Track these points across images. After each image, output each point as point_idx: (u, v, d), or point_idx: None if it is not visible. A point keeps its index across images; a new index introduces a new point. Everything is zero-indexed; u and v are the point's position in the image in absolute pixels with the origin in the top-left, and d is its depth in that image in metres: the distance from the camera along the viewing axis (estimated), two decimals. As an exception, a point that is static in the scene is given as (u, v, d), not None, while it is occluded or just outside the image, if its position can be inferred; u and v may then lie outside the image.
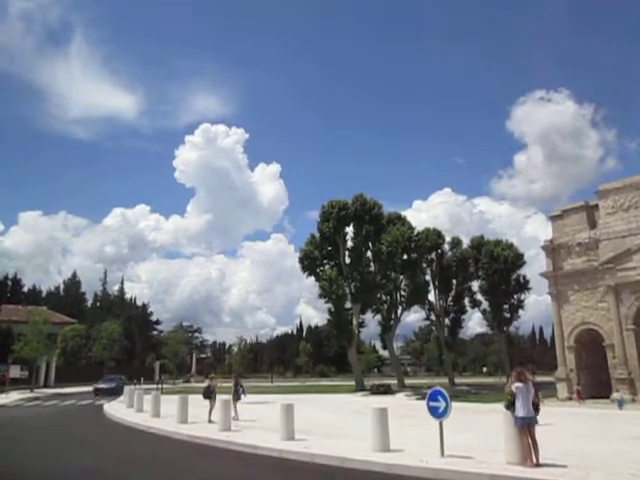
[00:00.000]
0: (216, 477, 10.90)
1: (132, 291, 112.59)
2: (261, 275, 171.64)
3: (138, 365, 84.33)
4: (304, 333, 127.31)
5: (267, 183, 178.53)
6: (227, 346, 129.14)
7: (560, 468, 9.59)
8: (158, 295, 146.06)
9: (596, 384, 33.41)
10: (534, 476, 9.02)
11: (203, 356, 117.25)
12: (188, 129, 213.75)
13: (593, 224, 35.64)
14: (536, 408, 20.69)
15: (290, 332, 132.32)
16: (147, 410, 23.00)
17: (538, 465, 9.71)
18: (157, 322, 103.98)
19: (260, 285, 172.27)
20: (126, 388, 33.26)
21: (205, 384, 21.29)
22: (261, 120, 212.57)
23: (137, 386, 39.71)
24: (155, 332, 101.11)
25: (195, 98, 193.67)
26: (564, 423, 20.49)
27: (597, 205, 35.61)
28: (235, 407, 20.23)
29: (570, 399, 32.31)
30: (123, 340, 74.90)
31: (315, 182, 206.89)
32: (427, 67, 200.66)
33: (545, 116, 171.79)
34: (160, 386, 43.88)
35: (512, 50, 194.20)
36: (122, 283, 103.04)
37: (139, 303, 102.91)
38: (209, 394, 19.92)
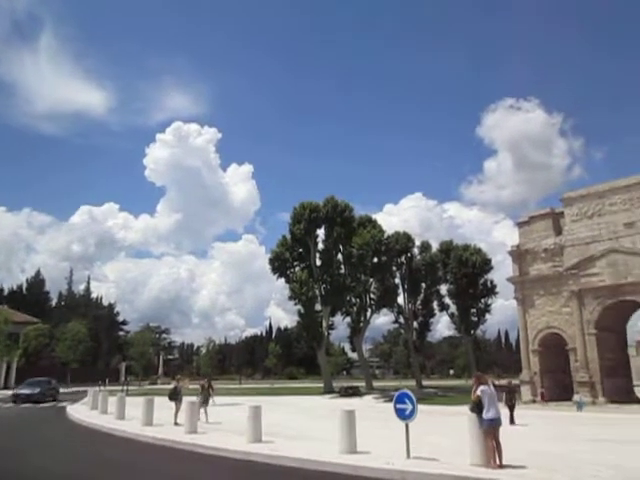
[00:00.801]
0: (178, 479, 10.73)
1: (99, 291, 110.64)
2: (231, 276, 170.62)
3: (103, 366, 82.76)
4: (274, 335, 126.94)
5: (239, 184, 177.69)
6: (195, 347, 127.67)
7: (523, 469, 9.76)
8: (126, 295, 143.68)
9: (559, 387, 34.20)
10: (497, 477, 9.15)
11: (171, 357, 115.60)
12: (159, 127, 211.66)
13: (558, 231, 36.49)
14: (512, 408, 21.42)
15: (260, 334, 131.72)
16: (112, 412, 22.55)
17: (501, 466, 9.86)
18: (124, 322, 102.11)
19: (230, 286, 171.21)
20: (90, 390, 32.51)
21: (172, 386, 20.97)
22: (234, 120, 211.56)
23: (102, 388, 38.92)
24: (122, 333, 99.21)
25: (167, 96, 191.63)
26: (529, 425, 20.89)
27: (563, 212, 36.48)
28: (205, 411, 20.07)
29: (534, 401, 32.97)
30: (88, 341, 73.24)
31: (287, 184, 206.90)
32: (400, 70, 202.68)
33: (515, 124, 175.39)
34: (125, 388, 43.10)
35: (485, 57, 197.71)
36: (88, 282, 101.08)
37: (105, 303, 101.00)
38: (175, 396, 19.64)
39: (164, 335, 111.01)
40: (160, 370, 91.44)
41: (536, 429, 19.48)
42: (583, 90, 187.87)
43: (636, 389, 37.73)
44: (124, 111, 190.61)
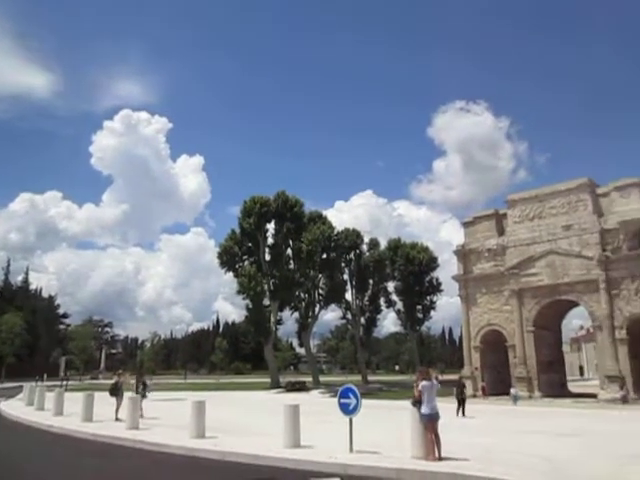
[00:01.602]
0: (119, 477, 10.49)
1: (38, 282, 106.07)
2: (179, 269, 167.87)
3: (42, 361, 79.61)
4: (221, 329, 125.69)
5: (189, 175, 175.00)
6: (140, 341, 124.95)
7: (462, 461, 10.06)
8: (67, 287, 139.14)
9: (498, 382, 35.37)
10: (436, 469, 9.41)
11: (114, 352, 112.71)
12: (107, 114, 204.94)
13: (501, 231, 37.69)
14: (462, 402, 22.15)
15: (206, 328, 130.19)
16: (49, 409, 21.78)
17: (440, 459, 10.14)
18: (64, 315, 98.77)
19: (177, 279, 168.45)
20: (27, 385, 31.28)
21: (113, 381, 20.44)
22: (186, 110, 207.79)
23: (39, 383, 37.47)
24: (62, 326, 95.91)
25: (116, 83, 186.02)
26: (466, 419, 21.55)
27: (506, 214, 37.68)
28: (140, 405, 19.69)
29: (475, 396, 33.97)
30: (25, 334, 70.40)
31: (238, 177, 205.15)
32: (354, 69, 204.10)
33: (464, 126, 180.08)
34: (64, 383, 41.67)
35: (437, 59, 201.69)
36: (27, 273, 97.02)
37: (45, 295, 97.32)
38: (116, 391, 19.16)
39: (107, 329, 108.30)
40: (102, 365, 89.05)
41: (477, 422, 20.12)
42: (529, 96, 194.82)
43: (569, 384, 39.54)
44: (70, 96, 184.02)
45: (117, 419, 18.23)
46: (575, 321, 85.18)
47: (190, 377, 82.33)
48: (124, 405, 17.61)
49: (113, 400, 19.14)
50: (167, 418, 19.93)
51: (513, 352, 35.12)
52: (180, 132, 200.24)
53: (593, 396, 31.63)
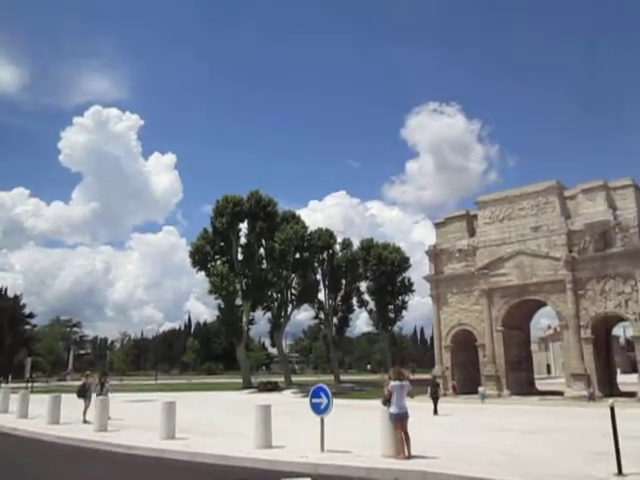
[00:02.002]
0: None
1: (3, 282, 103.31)
2: (150, 269, 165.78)
3: (6, 362, 77.57)
4: (192, 329, 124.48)
5: (161, 173, 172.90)
6: (109, 342, 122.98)
7: (431, 459, 10.18)
8: (33, 286, 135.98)
9: (468, 381, 35.87)
10: (405, 467, 9.51)
11: (82, 352, 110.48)
12: (77, 110, 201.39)
13: (472, 232, 38.24)
14: (436, 400, 22.55)
15: (178, 328, 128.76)
16: (13, 411, 21.26)
17: (410, 457, 10.25)
18: (30, 315, 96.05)
19: (148, 279, 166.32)
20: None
21: (81, 382, 20.04)
22: (158, 108, 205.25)
23: (3, 385, 36.54)
24: (28, 326, 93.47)
25: (87, 78, 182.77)
26: (439, 417, 21.82)
27: (477, 215, 38.23)
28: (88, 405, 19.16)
29: (445, 394, 34.37)
30: (-11, 335, 68.55)
31: (211, 176, 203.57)
32: (326, 68, 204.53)
33: (437, 127, 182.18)
34: (30, 385, 40.74)
35: (411, 60, 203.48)
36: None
37: (10, 294, 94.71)
38: (84, 393, 18.77)
39: (75, 329, 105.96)
40: (70, 366, 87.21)
41: (447, 420, 20.38)
42: (501, 99, 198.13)
43: (537, 382, 40.33)
44: (38, 90, 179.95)
45: (85, 421, 17.89)
46: (543, 321, 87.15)
47: (161, 378, 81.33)
48: (92, 406, 17.29)
49: (81, 402, 18.77)
50: (137, 419, 19.66)
51: (483, 351, 35.67)
52: (152, 129, 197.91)
53: (559, 394, 32.32)
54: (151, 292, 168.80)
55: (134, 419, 19.89)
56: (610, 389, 32.23)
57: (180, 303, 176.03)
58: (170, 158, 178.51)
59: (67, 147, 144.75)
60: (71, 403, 19.30)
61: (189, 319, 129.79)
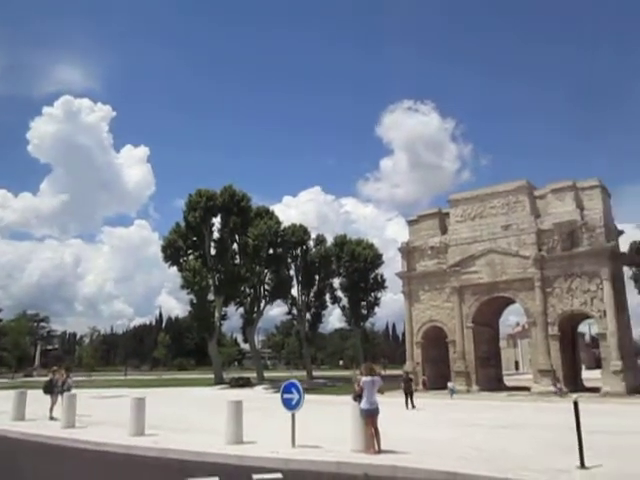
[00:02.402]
0: (52, 478, 10.11)
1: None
2: (121, 262, 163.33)
3: (-30, 357, 75.87)
4: (164, 324, 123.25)
5: (133, 166, 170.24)
6: (78, 337, 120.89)
7: (400, 454, 10.29)
8: (0, 280, 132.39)
9: (439, 376, 36.32)
10: (375, 462, 9.60)
11: (50, 348, 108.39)
12: (47, 100, 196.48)
13: (444, 230, 38.68)
14: (410, 395, 23.60)
15: (149, 323, 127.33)
16: (-24, 407, 20.75)
17: (380, 452, 10.35)
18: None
19: (119, 273, 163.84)
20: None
21: (47, 378, 19.66)
22: (131, 99, 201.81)
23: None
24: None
25: (57, 67, 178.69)
26: (410, 412, 22.07)
27: (449, 213, 38.68)
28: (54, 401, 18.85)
29: (416, 390, 34.72)
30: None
31: (185, 170, 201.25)
32: (302, 64, 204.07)
33: (412, 125, 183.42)
34: (-5, 380, 39.79)
35: (385, 58, 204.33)
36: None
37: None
38: (51, 389, 18.44)
39: (43, 324, 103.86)
40: (37, 361, 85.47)
41: (418, 415, 20.63)
42: (474, 99, 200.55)
43: (505, 378, 41.09)
44: (6, 78, 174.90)
45: (52, 418, 17.57)
46: (512, 318, 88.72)
47: (131, 373, 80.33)
48: (60, 403, 16.99)
49: (48, 398, 18.43)
50: (105, 416, 19.39)
51: (453, 347, 36.17)
52: (124, 121, 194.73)
53: (527, 389, 33.00)
54: (122, 286, 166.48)
55: (102, 415, 19.61)
56: (575, 385, 33.06)
57: (151, 298, 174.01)
58: (143, 151, 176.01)
59: (36, 137, 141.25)
60: (38, 399, 18.94)
61: (160, 314, 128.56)
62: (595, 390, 30.75)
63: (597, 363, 43.40)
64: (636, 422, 17.19)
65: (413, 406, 23.50)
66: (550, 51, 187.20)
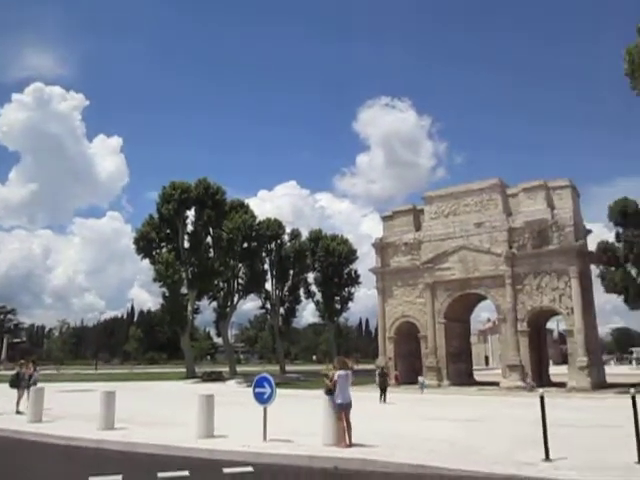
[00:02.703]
0: (18, 473, 9.92)
1: None
2: (92, 254, 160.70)
3: None
4: (135, 318, 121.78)
5: (106, 156, 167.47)
6: (47, 330, 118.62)
7: (371, 447, 10.39)
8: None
9: (410, 371, 36.69)
10: (346, 455, 9.68)
11: (17, 341, 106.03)
12: (17, 86, 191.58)
13: (418, 226, 38.99)
14: (385, 390, 24.16)
15: (120, 316, 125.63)
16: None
17: (351, 445, 10.44)
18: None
19: (90, 265, 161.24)
20: None
21: (14, 371, 19.27)
22: (105, 88, 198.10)
23: None
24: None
25: (28, 52, 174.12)
26: (381, 406, 22.26)
27: (423, 210, 39.00)
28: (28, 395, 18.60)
29: (389, 385, 35.04)
30: None
31: (159, 161, 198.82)
32: (282, 61, 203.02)
33: (388, 122, 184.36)
34: (-41, 374, 38.82)
35: (364, 53, 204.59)
36: None
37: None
38: (18, 382, 18.08)
39: (10, 316, 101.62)
40: (3, 354, 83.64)
41: (389, 409, 20.83)
42: (451, 97, 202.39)
43: (475, 373, 41.76)
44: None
45: (18, 412, 17.26)
46: (483, 314, 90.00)
47: (101, 367, 79.24)
48: (26, 397, 16.69)
49: (15, 392, 18.07)
50: (74, 410, 19.11)
51: (425, 343, 36.57)
52: (98, 110, 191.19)
53: (496, 384, 33.58)
54: (93, 279, 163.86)
55: (71, 409, 19.34)
56: (543, 380, 33.76)
57: (123, 291, 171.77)
58: (116, 141, 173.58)
59: (5, 125, 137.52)
60: (4, 393, 18.56)
61: (132, 307, 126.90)
62: (562, 385, 31.47)
63: (564, 359, 44.36)
64: (599, 416, 17.65)
65: (385, 400, 23.95)
66: (530, 49, 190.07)
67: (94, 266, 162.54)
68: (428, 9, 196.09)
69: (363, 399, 20.14)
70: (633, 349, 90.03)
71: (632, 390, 9.35)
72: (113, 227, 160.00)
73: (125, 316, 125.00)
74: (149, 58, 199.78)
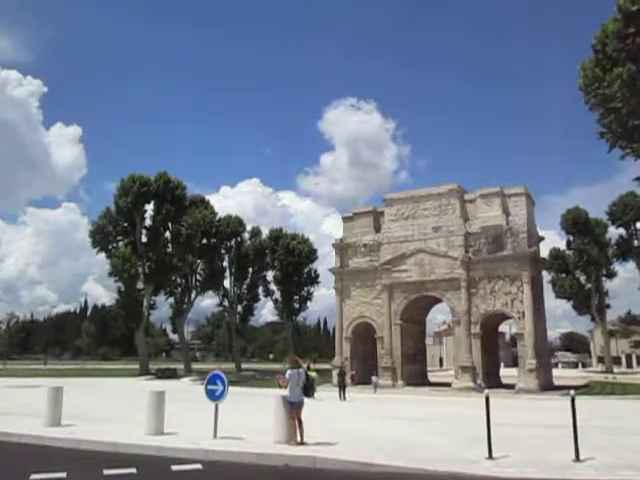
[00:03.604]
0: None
1: None
2: (45, 246, 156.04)
3: None
4: (89, 312, 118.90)
5: (64, 146, 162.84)
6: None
7: (321, 445, 10.47)
8: None
9: (366, 371, 37.05)
10: (296, 453, 9.75)
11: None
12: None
13: (378, 228, 39.41)
14: (344, 388, 25.38)
15: (73, 311, 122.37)
16: None
17: (302, 443, 10.51)
18: None
19: (43, 257, 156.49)
20: None
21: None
22: (65, 75, 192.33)
23: None
24: None
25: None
26: (336, 405, 22.42)
27: (383, 212, 39.44)
28: None
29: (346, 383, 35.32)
30: None
31: (119, 153, 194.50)
32: (249, 59, 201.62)
33: (354, 123, 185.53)
34: None
35: (331, 54, 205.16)
36: None
37: None
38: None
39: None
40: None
41: (343, 408, 21.01)
42: (415, 102, 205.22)
43: (430, 374, 42.50)
44: None
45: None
46: (440, 316, 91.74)
47: (51, 362, 77.01)
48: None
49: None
50: (19, 406, 18.55)
51: (381, 343, 37.01)
52: (56, 98, 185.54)
53: (449, 385, 34.30)
54: (45, 271, 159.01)
55: (16, 406, 18.76)
56: (494, 381, 34.66)
57: (77, 285, 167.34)
58: (75, 130, 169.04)
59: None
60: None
61: (86, 302, 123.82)
62: (512, 387, 32.39)
63: (515, 361, 45.68)
64: (542, 416, 18.28)
65: (344, 398, 24.97)
66: (494, 54, 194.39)
67: (47, 258, 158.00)
68: (397, 11, 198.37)
69: (320, 398, 20.26)
70: (557, 354, 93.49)
71: (572, 392, 9.76)
72: (69, 219, 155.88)
73: (78, 310, 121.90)
74: (113, 47, 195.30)
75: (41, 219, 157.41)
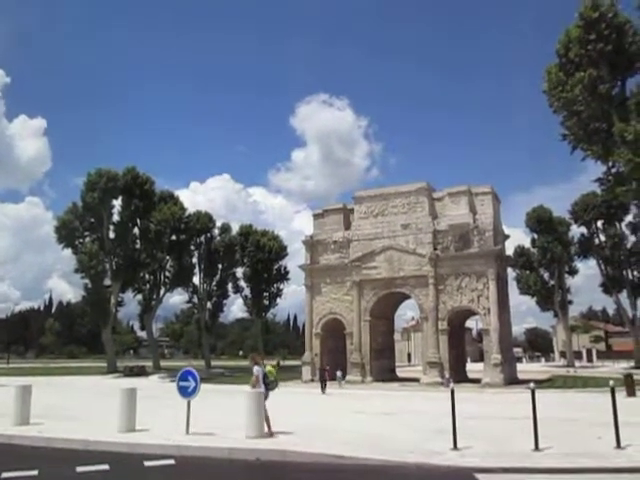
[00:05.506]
0: None
1: None
2: (8, 241, 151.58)
3: None
4: (54, 309, 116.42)
5: (28, 138, 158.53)
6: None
7: (292, 439, 10.71)
8: None
9: (336, 366, 37.40)
10: (267, 447, 9.96)
11: None
12: None
13: (348, 225, 39.77)
14: (324, 382, 27.44)
15: (37, 308, 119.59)
16: None
17: (271, 434, 10.82)
18: None
19: (5, 253, 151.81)
20: None
21: None
22: (29, 65, 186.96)
23: None
24: None
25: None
26: (306, 400, 22.68)
27: (353, 209, 39.82)
28: None
29: (312, 380, 35.65)
30: None
31: (86, 147, 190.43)
32: (219, 55, 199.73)
33: (326, 119, 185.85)
34: None
35: (303, 50, 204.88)
36: None
37: None
38: None
39: None
40: None
41: (314, 403, 21.27)
42: (386, 100, 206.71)
43: (398, 369, 43.12)
44: None
45: None
46: (409, 312, 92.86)
47: (14, 361, 75.18)
48: None
49: None
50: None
51: (350, 339, 37.42)
52: (20, 89, 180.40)
53: (417, 380, 34.92)
54: (8, 267, 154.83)
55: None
56: (461, 376, 35.47)
57: (41, 281, 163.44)
58: (39, 123, 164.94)
59: None
60: None
61: (50, 298, 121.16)
62: (478, 381, 33.17)
63: (481, 356, 46.69)
64: (506, 409, 18.84)
65: (324, 392, 27.12)
66: (474, 53, 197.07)
67: (9, 254, 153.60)
68: (370, 7, 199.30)
69: (288, 394, 20.50)
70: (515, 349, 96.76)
71: (532, 385, 10.23)
72: (32, 213, 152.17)
73: (42, 308, 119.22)
74: (79, 37, 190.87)
75: (3, 213, 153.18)
